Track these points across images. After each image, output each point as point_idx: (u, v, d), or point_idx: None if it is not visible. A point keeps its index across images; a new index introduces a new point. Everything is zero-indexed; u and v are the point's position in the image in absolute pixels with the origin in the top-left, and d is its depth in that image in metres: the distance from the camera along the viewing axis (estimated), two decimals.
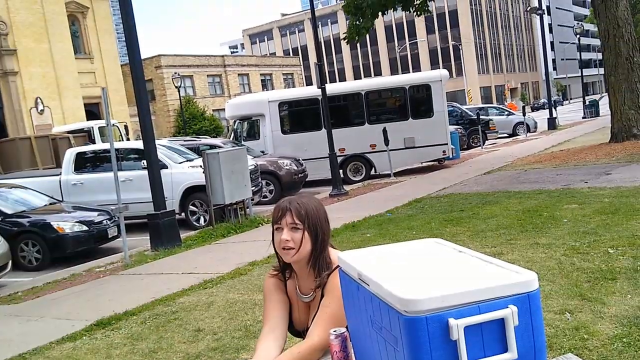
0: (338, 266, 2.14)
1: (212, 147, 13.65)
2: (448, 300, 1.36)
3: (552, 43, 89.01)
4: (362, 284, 1.65)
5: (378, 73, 76.91)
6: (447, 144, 16.16)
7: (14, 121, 31.96)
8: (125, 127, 27.43)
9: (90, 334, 5.33)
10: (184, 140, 16.55)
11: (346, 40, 16.32)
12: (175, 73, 36.91)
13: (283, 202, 2.22)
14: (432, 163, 17.46)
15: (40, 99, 30.57)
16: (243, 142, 15.81)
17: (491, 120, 26.06)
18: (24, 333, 5.73)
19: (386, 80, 20.60)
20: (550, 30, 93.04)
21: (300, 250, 2.15)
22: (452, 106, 24.50)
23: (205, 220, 11.32)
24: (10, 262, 8.58)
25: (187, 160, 12.16)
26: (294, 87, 53.10)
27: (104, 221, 10.05)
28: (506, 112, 29.75)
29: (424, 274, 1.57)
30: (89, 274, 8.23)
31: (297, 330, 2.30)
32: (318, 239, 2.17)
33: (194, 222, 11.45)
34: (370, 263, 1.70)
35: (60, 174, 12.42)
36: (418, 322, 1.34)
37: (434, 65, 72.73)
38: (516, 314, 1.35)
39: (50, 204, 10.58)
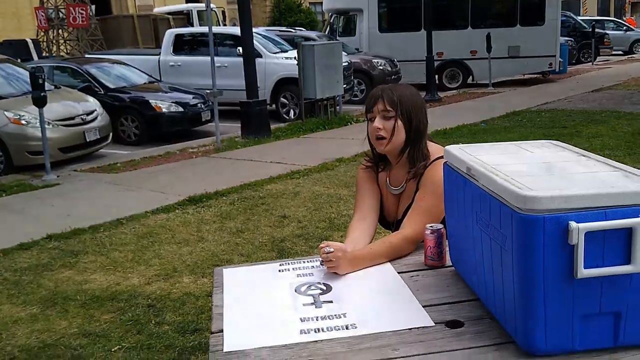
0: (437, 158, 2.04)
1: (307, 39, 13.42)
2: (571, 201, 1.23)
3: None
4: (470, 178, 1.54)
5: None
6: (555, 56, 15.05)
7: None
8: (223, 12, 27.46)
9: (183, 209, 5.60)
10: (280, 31, 16.37)
11: None
12: None
13: (376, 90, 2.13)
14: (535, 76, 16.44)
15: None
16: (338, 38, 15.43)
17: (606, 34, 23.94)
18: (121, 200, 6.10)
19: None
20: None
21: (393, 139, 2.06)
22: (565, 16, 22.60)
23: (295, 114, 11.35)
24: (111, 134, 9.07)
25: (281, 52, 12.06)
26: None
27: (199, 104, 10.29)
28: (624, 28, 27.24)
29: (543, 173, 1.43)
30: (182, 154, 8.57)
31: (387, 221, 2.26)
32: (412, 127, 2.07)
33: (284, 115, 11.52)
34: (480, 158, 1.57)
35: (159, 54, 12.72)
36: (534, 222, 1.23)
37: None
38: None
39: (149, 82, 10.92)
